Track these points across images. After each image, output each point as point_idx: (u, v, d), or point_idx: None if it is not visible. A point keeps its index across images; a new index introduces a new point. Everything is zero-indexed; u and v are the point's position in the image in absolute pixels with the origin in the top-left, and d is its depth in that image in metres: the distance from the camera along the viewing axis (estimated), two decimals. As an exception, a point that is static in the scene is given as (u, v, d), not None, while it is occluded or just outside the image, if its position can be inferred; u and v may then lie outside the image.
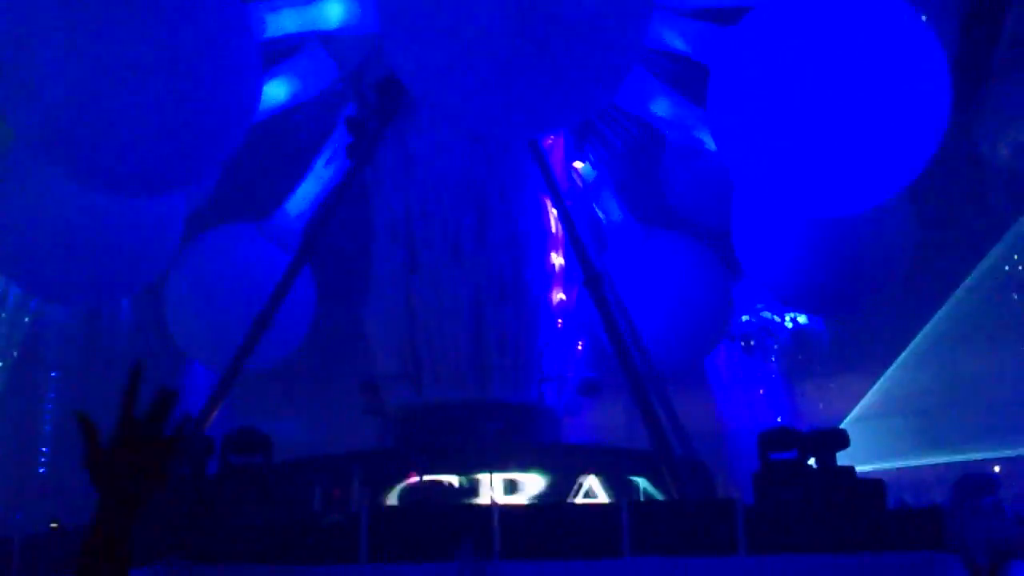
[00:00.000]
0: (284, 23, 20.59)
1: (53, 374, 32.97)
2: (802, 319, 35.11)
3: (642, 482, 19.56)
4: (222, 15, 17.18)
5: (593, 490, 18.37)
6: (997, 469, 29.99)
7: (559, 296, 23.59)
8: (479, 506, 13.58)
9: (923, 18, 18.29)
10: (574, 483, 18.43)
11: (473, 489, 18.41)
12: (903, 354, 33.19)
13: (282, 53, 22.50)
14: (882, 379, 33.85)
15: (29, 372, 32.70)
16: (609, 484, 18.73)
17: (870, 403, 33.77)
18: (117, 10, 15.94)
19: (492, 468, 18.11)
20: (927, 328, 32.73)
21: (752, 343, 35.18)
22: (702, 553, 13.59)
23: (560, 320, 23.46)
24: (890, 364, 33.55)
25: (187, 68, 16.28)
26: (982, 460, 30.75)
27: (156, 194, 19.49)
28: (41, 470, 32.05)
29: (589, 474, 18.60)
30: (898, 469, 31.23)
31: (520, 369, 22.34)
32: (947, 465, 30.32)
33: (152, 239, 21.40)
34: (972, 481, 17.56)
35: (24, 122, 16.69)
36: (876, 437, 31.88)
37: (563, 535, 13.62)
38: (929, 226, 23.67)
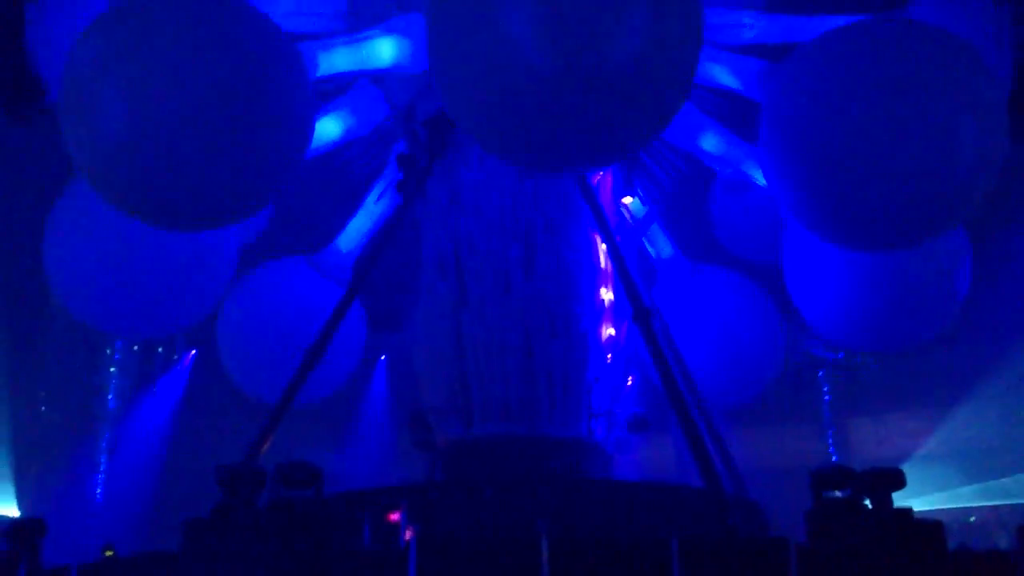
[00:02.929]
0: (336, 62, 20.96)
1: (111, 405, 33.55)
2: (855, 355, 34.60)
3: None
4: (276, 54, 17.54)
5: None
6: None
7: (608, 331, 23.52)
8: (528, 537, 13.47)
9: (977, 49, 18.09)
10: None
11: None
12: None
13: (334, 91, 22.92)
14: (942, 418, 33.17)
15: (85, 402, 33.32)
16: None
17: (927, 442, 33.09)
18: (175, 49, 16.34)
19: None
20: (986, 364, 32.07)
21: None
22: (754, 593, 13.37)
23: (609, 355, 23.38)
24: (947, 402, 32.89)
25: (242, 106, 16.62)
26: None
27: (211, 229, 19.85)
28: (96, 499, 32.55)
29: None
30: (955, 509, 30.54)
31: (569, 404, 22.26)
32: (1009, 508, 29.55)
33: (206, 273, 21.79)
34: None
35: (85, 158, 17.12)
36: (933, 477, 31.23)
37: (613, 570, 13.48)
38: (985, 258, 23.25)
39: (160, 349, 33.96)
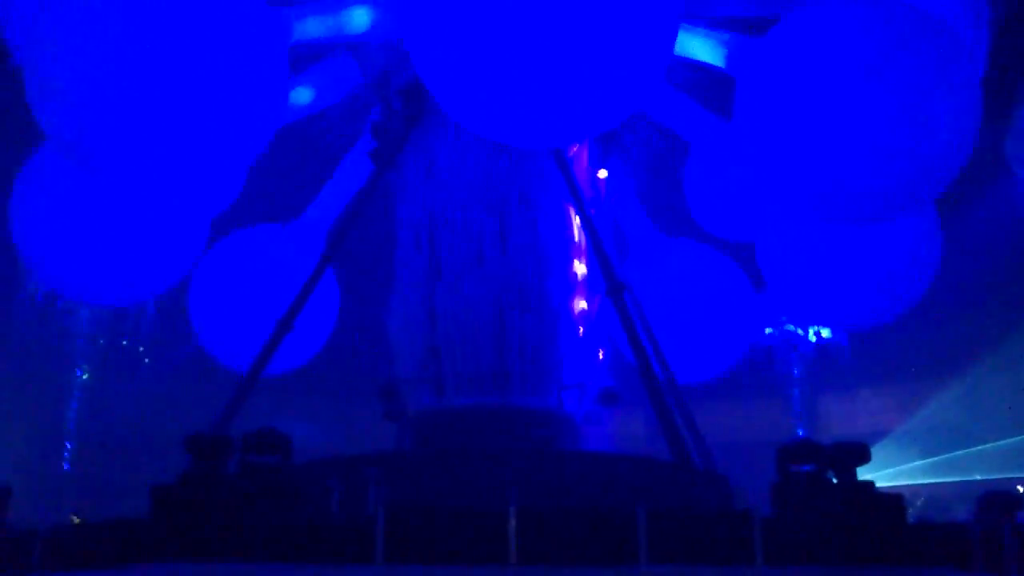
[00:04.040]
0: (311, 29, 20.76)
1: (78, 372, 33.32)
2: (825, 332, 34.90)
3: None
4: (250, 19, 17.33)
5: None
6: (1021, 489, 29.65)
7: (581, 305, 23.58)
8: (496, 508, 13.54)
9: (956, 33, 18.18)
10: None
11: None
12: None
13: (309, 58, 22.70)
14: (905, 395, 33.59)
15: (55, 369, 33.06)
16: None
17: (892, 418, 33.51)
18: (145, 12, 16.10)
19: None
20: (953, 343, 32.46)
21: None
22: (719, 564, 13.52)
23: (581, 328, 23.45)
24: (913, 378, 33.30)
25: (215, 70, 16.43)
26: (1005, 479, 30.41)
27: (182, 195, 19.66)
28: (65, 466, 32.38)
29: None
30: (919, 486, 30.99)
31: (540, 376, 22.34)
32: (967, 483, 30.04)
33: (178, 240, 21.60)
34: (1001, 498, 17.26)
35: (52, 122, 16.88)
36: (897, 452, 31.64)
37: (581, 541, 13.60)
38: (954, 237, 23.47)
39: (131, 316, 33.70)
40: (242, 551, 12.92)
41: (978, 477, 29.85)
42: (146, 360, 33.66)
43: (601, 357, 24.56)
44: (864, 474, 15.26)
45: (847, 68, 17.30)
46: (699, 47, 21.56)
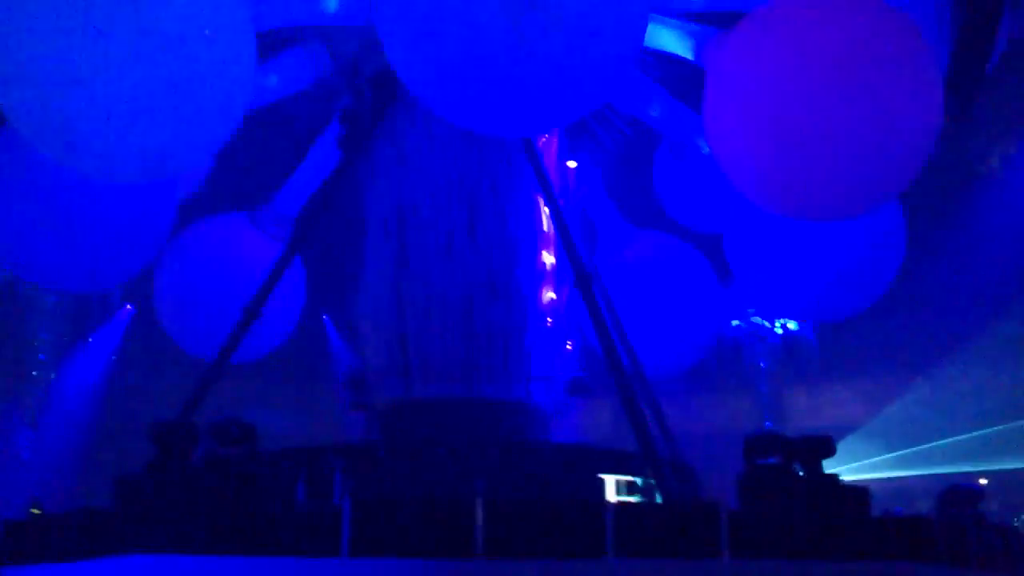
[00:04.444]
0: (279, 13, 20.52)
1: (41, 357, 32.88)
2: (792, 325, 35.15)
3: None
4: (217, 2, 17.09)
5: None
6: (984, 481, 30.05)
7: (549, 295, 23.57)
8: (462, 500, 13.50)
9: (918, 28, 18.30)
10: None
11: None
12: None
13: (278, 44, 22.45)
14: (872, 388, 33.90)
15: (16, 356, 32.60)
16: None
17: (858, 412, 33.81)
18: (112, -5, 15.83)
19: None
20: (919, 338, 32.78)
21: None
22: (685, 556, 13.57)
23: (550, 319, 23.45)
24: (880, 373, 33.59)
25: (181, 55, 16.20)
26: (970, 472, 30.78)
27: (148, 181, 19.41)
28: (24, 455, 31.95)
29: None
30: (887, 479, 31.32)
31: (509, 367, 22.31)
32: (936, 477, 30.37)
33: (144, 226, 21.33)
34: (963, 492, 17.51)
35: (15, 107, 16.58)
36: (862, 446, 31.96)
37: (547, 533, 13.60)
38: (919, 234, 23.72)
39: (94, 303, 33.28)
40: (207, 542, 12.80)
41: (941, 471, 30.24)
42: (110, 347, 33.29)
43: (570, 348, 24.59)
44: (830, 467, 15.40)
45: (813, 62, 17.38)
46: (669, 39, 21.58)
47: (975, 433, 31.42)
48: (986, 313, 32.07)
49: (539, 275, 23.32)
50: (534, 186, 22.36)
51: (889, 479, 31.68)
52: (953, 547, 14.73)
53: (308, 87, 23.11)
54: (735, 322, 34.74)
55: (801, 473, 15.26)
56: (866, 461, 31.49)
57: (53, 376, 32.89)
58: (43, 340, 33.04)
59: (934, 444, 31.88)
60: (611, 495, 19.15)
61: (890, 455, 32.39)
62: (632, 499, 18.96)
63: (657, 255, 26.17)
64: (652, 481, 18.66)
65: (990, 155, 29.70)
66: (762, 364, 35.59)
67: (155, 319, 25.31)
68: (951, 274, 31.91)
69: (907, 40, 17.61)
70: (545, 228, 23.59)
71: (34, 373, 32.76)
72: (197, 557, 12.60)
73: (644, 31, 16.61)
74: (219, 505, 13.32)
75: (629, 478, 19.41)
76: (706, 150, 21.47)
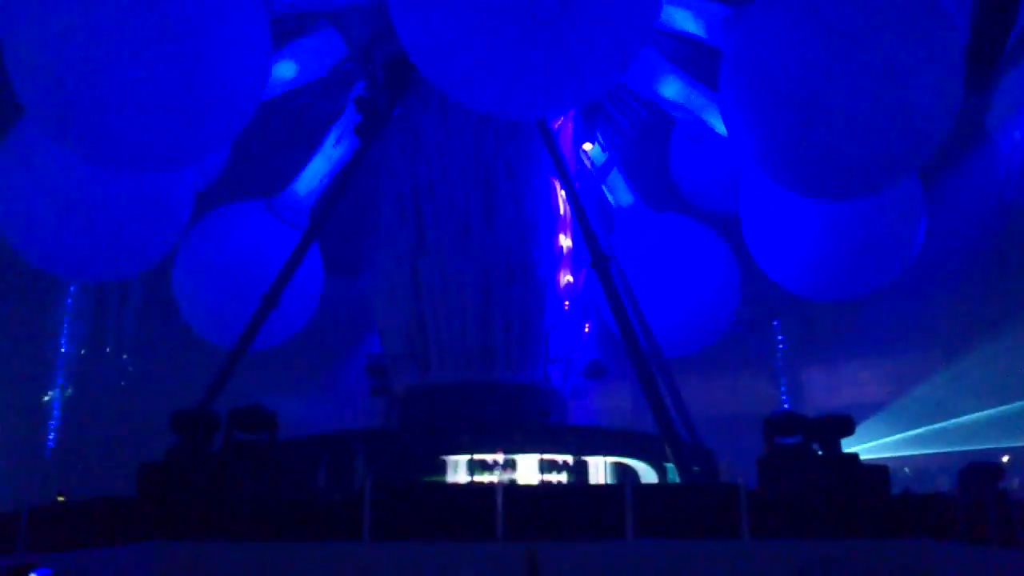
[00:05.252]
0: None
1: (63, 350, 33.13)
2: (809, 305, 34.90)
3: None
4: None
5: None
6: (1005, 459, 29.86)
7: (566, 278, 23.56)
8: (483, 485, 13.56)
9: (937, 2, 18.11)
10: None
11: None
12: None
13: (292, 32, 22.46)
14: (891, 367, 33.69)
15: (39, 349, 32.86)
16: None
17: (878, 391, 33.64)
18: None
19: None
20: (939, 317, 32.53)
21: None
22: (705, 536, 13.59)
23: (567, 302, 23.44)
24: (900, 352, 33.38)
25: (196, 43, 16.24)
26: (992, 450, 30.58)
27: (165, 170, 19.51)
28: (50, 445, 32.25)
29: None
30: (907, 457, 31.18)
31: (526, 350, 22.34)
32: (956, 454, 30.19)
33: (162, 216, 21.43)
34: (983, 469, 17.41)
35: (33, 97, 16.67)
36: (882, 424, 31.82)
37: (567, 516, 13.63)
38: (938, 211, 23.48)
39: (115, 293, 33.48)
40: (228, 528, 12.89)
41: (961, 449, 30.07)
42: (131, 337, 33.49)
43: (587, 330, 24.59)
44: (849, 446, 15.36)
45: (831, 38, 17.22)
46: (685, 19, 21.45)
47: (996, 410, 31.21)
48: (1006, 290, 31.81)
49: (556, 258, 23.31)
50: (550, 169, 22.32)
51: (912, 456, 31.55)
52: (973, 525, 14.68)
53: (324, 74, 23.13)
54: (752, 303, 34.56)
55: (820, 452, 15.24)
56: (887, 439, 31.33)
57: (75, 366, 33.15)
58: (64, 331, 33.29)
59: (955, 421, 31.69)
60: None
61: (910, 433, 32.22)
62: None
63: (674, 236, 26.08)
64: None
65: (1010, 128, 29.32)
66: (780, 344, 35.43)
67: (174, 307, 25.43)
68: (970, 250, 31.64)
69: (926, 14, 17.43)
70: (561, 211, 23.56)
71: (55, 364, 33.02)
72: (219, 543, 12.70)
73: (659, 10, 16.50)
74: (240, 492, 13.41)
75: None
76: (721, 130, 21.32)
